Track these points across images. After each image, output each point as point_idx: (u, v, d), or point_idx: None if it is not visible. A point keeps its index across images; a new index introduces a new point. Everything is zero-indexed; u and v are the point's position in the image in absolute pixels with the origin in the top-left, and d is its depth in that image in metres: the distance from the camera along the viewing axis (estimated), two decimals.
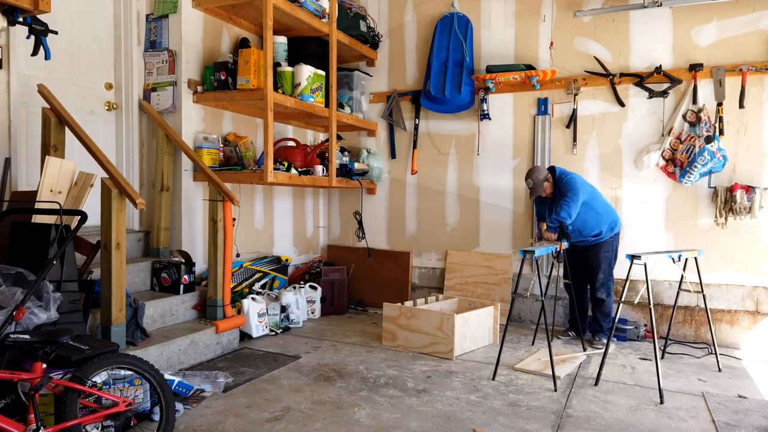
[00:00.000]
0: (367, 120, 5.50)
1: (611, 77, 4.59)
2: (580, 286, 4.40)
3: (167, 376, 2.87)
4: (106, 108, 4.16)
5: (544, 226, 4.09)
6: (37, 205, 2.87)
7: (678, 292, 3.98)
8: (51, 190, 2.95)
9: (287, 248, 5.42)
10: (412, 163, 5.41)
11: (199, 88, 4.29)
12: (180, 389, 3.00)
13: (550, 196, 4.23)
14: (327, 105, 4.71)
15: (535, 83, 4.73)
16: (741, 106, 4.23)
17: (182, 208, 4.24)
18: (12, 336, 2.14)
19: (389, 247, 5.57)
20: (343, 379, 3.40)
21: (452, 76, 4.96)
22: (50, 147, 3.31)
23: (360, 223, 5.54)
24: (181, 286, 3.84)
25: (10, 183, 3.42)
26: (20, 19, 2.84)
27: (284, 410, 2.92)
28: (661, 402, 3.11)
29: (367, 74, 5.51)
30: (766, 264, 4.23)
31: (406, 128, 5.44)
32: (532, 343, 4.27)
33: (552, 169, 4.25)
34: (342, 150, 5.43)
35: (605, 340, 4.16)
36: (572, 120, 4.76)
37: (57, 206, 2.77)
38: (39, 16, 2.94)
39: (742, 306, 4.30)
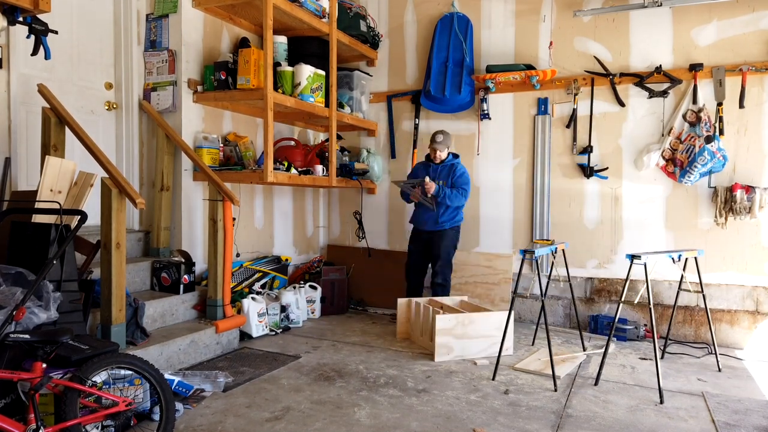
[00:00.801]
0: (367, 120, 5.50)
1: (611, 77, 4.59)
2: (421, 275, 4.79)
3: (167, 376, 2.87)
4: (106, 108, 4.16)
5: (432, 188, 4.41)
6: (37, 205, 2.87)
7: (678, 292, 3.98)
8: (51, 190, 2.95)
9: (287, 248, 5.42)
10: (412, 163, 5.40)
11: (199, 88, 4.29)
12: (180, 389, 3.00)
13: (438, 164, 4.59)
14: (327, 105, 4.71)
15: (535, 83, 4.73)
16: (741, 106, 4.23)
17: (182, 207, 4.24)
18: (12, 336, 2.14)
19: (389, 247, 5.57)
20: (343, 379, 3.40)
21: (452, 76, 4.96)
22: (50, 147, 3.30)
23: (360, 222, 5.54)
24: (181, 286, 3.84)
25: (10, 183, 3.42)
26: (20, 19, 2.84)
27: (284, 410, 2.92)
28: (661, 402, 3.11)
29: (367, 74, 5.51)
30: (766, 264, 4.23)
31: (406, 128, 5.42)
32: (532, 343, 4.27)
33: (455, 155, 4.68)
34: (342, 150, 5.43)
35: None
36: (572, 120, 4.76)
37: (57, 206, 2.77)
38: (39, 16, 2.94)
39: (742, 306, 4.30)
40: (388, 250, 5.54)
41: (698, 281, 3.80)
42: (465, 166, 4.64)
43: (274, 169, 4.18)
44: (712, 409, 3.03)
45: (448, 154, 4.62)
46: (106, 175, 3.12)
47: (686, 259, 3.78)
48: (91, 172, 3.08)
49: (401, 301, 4.39)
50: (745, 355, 4.10)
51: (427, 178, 4.44)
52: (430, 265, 4.70)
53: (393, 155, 5.52)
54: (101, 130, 4.10)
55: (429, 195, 4.42)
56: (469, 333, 3.87)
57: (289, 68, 4.38)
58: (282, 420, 2.80)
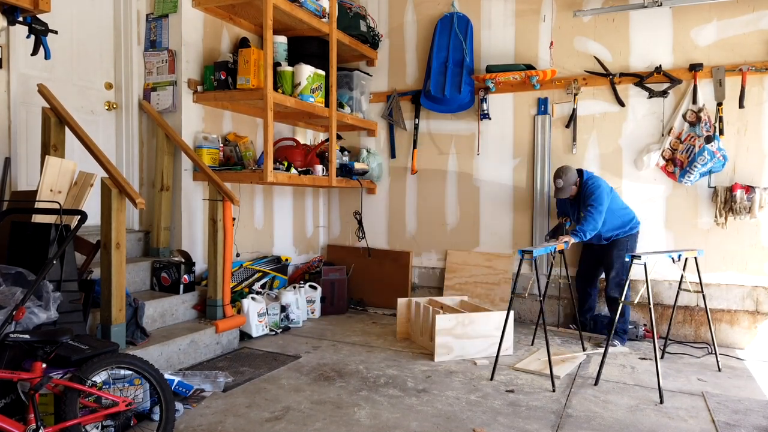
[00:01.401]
0: (367, 120, 5.50)
1: (611, 77, 4.59)
2: (589, 285, 4.47)
3: (167, 376, 2.87)
4: (106, 108, 4.16)
5: (566, 220, 4.22)
6: (37, 205, 2.87)
7: (678, 292, 3.98)
8: (51, 190, 2.95)
9: (287, 248, 5.42)
10: (412, 162, 5.41)
11: (199, 88, 4.29)
12: (180, 389, 3.00)
13: (573, 197, 4.21)
14: (327, 105, 4.71)
15: (535, 83, 4.73)
16: (741, 106, 4.23)
17: (182, 207, 4.24)
18: (12, 336, 2.14)
19: (389, 246, 5.57)
20: (343, 379, 3.40)
21: (452, 76, 4.96)
22: (50, 147, 3.30)
23: (360, 222, 5.54)
24: (181, 286, 3.84)
25: (10, 183, 3.42)
26: (20, 19, 2.83)
27: (284, 410, 2.92)
28: (661, 402, 3.11)
29: (367, 74, 5.51)
30: (766, 264, 4.23)
31: (406, 128, 5.44)
32: (532, 343, 4.26)
33: (580, 172, 4.19)
34: (342, 150, 5.42)
35: (617, 342, 4.20)
36: (572, 120, 4.76)
37: (57, 206, 2.77)
38: (39, 16, 2.94)
39: (742, 306, 4.30)
40: (388, 250, 5.54)
41: (698, 281, 3.80)
42: (594, 177, 4.17)
43: (274, 169, 4.18)
44: (712, 409, 3.03)
45: (576, 181, 4.15)
46: (106, 175, 3.12)
47: (686, 259, 3.78)
48: (91, 172, 3.08)
49: (401, 301, 4.38)
50: (745, 355, 4.10)
51: (561, 240, 3.88)
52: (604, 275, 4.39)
53: (393, 155, 5.52)
54: (101, 130, 4.10)
55: (567, 247, 3.95)
56: (468, 333, 3.87)
57: (289, 68, 4.38)
58: (282, 420, 2.80)
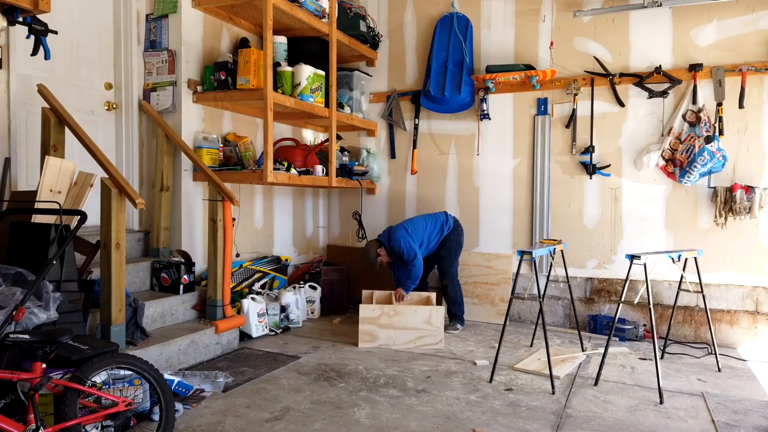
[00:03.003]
0: (367, 120, 5.50)
1: (611, 77, 4.60)
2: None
3: (167, 376, 2.87)
4: (106, 108, 4.16)
5: (402, 293, 4.44)
6: (37, 205, 2.87)
7: (678, 292, 3.98)
8: (51, 190, 2.95)
9: (287, 248, 5.42)
10: (412, 163, 5.41)
11: (199, 88, 4.29)
12: (180, 389, 3.00)
13: (390, 260, 4.61)
14: (327, 105, 4.71)
15: (535, 83, 4.73)
16: (741, 106, 4.23)
17: (182, 208, 4.24)
18: (12, 336, 2.14)
19: None
20: (342, 379, 3.40)
21: (452, 76, 4.96)
22: (50, 147, 3.30)
23: (360, 223, 5.53)
24: (181, 286, 3.84)
25: (9, 183, 3.42)
26: (20, 19, 2.83)
27: (284, 410, 2.92)
28: (661, 402, 3.11)
29: (367, 74, 5.51)
30: (766, 264, 4.24)
31: (406, 128, 5.44)
32: (531, 344, 4.26)
33: (379, 241, 4.60)
34: (342, 150, 5.42)
35: (459, 326, 4.65)
36: (572, 120, 4.76)
37: (57, 206, 2.76)
38: (39, 16, 2.94)
39: (742, 306, 4.30)
40: None
41: (698, 281, 3.80)
42: (394, 236, 4.50)
43: (274, 169, 4.18)
44: (712, 409, 3.03)
45: (379, 251, 4.58)
46: (106, 176, 3.12)
47: (686, 259, 3.78)
48: (90, 172, 3.08)
49: (365, 294, 4.55)
50: (745, 355, 4.10)
51: (400, 292, 4.45)
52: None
53: (393, 155, 5.52)
54: (101, 130, 4.10)
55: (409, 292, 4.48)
56: (394, 323, 4.11)
57: (289, 68, 4.38)
58: (282, 420, 2.80)
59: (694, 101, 4.35)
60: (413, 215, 5.44)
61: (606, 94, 4.68)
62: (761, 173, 4.24)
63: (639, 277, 4.21)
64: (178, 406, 2.80)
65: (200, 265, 4.28)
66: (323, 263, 5.55)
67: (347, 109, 5.18)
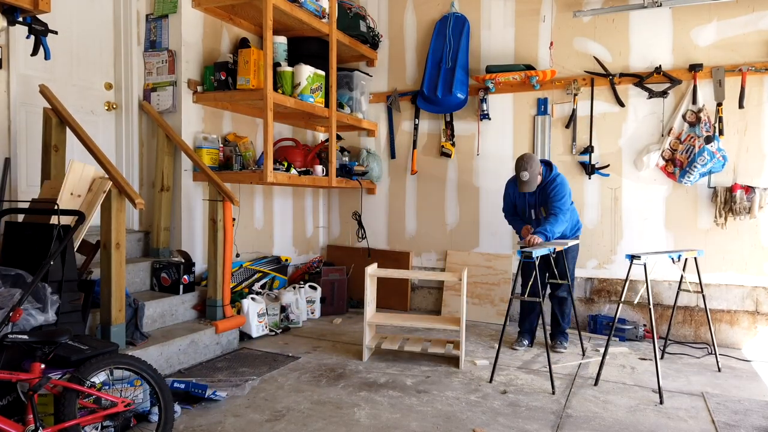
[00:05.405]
0: (367, 120, 5.50)
1: (611, 77, 4.59)
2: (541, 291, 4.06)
3: (198, 383, 2.93)
4: (106, 108, 4.16)
5: (530, 230, 3.84)
6: (46, 206, 2.88)
7: (678, 293, 3.98)
8: (71, 193, 2.99)
9: (287, 248, 5.42)
10: (412, 163, 5.41)
11: (199, 88, 4.29)
12: (196, 390, 2.98)
13: (532, 191, 3.87)
14: (327, 105, 4.71)
15: (535, 83, 4.72)
16: (741, 106, 4.23)
17: (182, 208, 4.24)
18: (10, 336, 2.13)
19: (389, 247, 5.57)
20: (342, 379, 3.40)
21: (444, 77, 4.95)
22: (51, 147, 3.31)
23: (360, 223, 5.53)
24: (181, 286, 3.83)
25: (9, 183, 3.42)
26: (20, 19, 2.83)
27: (284, 410, 2.92)
28: (661, 402, 3.11)
29: (367, 74, 5.51)
30: (766, 264, 4.23)
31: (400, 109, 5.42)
32: (531, 344, 4.26)
33: (548, 164, 3.94)
34: (342, 150, 5.42)
35: (566, 344, 4.14)
36: (572, 120, 4.75)
37: (57, 206, 2.77)
38: (39, 16, 2.94)
39: (742, 306, 4.29)
40: (388, 251, 5.54)
41: (698, 281, 3.80)
42: (561, 177, 3.89)
43: (274, 169, 4.18)
44: (712, 409, 3.03)
45: (541, 171, 3.87)
46: (106, 176, 3.12)
47: (686, 259, 3.78)
48: (106, 178, 3.11)
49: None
50: (745, 356, 4.10)
51: (530, 235, 3.67)
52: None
53: (393, 155, 5.52)
54: (101, 130, 4.10)
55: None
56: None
57: (289, 68, 4.38)
58: (282, 420, 2.80)
59: (694, 101, 4.35)
60: (413, 215, 5.45)
61: (606, 95, 4.68)
62: (761, 173, 4.23)
63: (639, 277, 4.21)
64: (177, 407, 2.79)
65: (200, 265, 4.28)
66: (323, 263, 5.56)
67: (347, 110, 5.18)
